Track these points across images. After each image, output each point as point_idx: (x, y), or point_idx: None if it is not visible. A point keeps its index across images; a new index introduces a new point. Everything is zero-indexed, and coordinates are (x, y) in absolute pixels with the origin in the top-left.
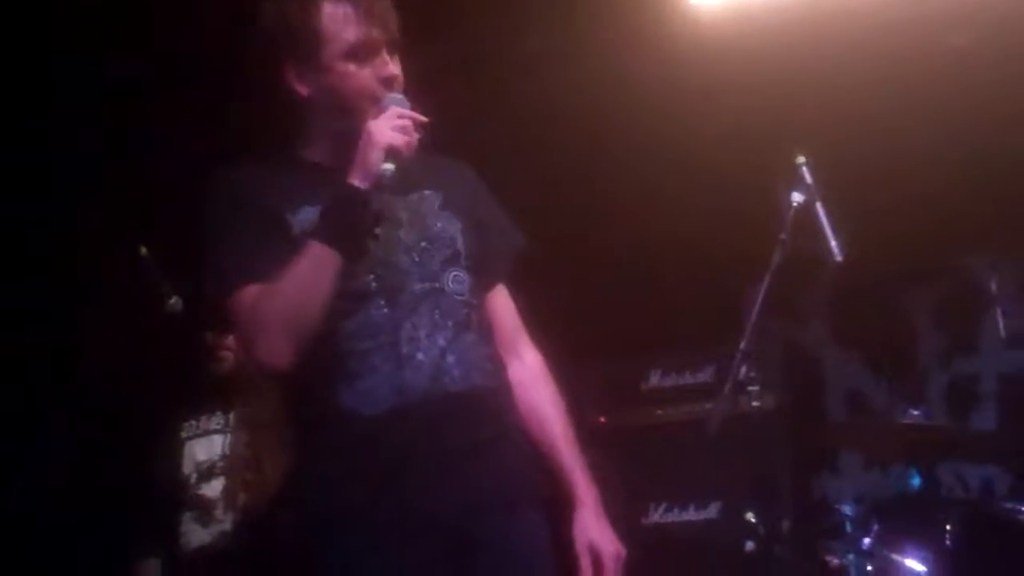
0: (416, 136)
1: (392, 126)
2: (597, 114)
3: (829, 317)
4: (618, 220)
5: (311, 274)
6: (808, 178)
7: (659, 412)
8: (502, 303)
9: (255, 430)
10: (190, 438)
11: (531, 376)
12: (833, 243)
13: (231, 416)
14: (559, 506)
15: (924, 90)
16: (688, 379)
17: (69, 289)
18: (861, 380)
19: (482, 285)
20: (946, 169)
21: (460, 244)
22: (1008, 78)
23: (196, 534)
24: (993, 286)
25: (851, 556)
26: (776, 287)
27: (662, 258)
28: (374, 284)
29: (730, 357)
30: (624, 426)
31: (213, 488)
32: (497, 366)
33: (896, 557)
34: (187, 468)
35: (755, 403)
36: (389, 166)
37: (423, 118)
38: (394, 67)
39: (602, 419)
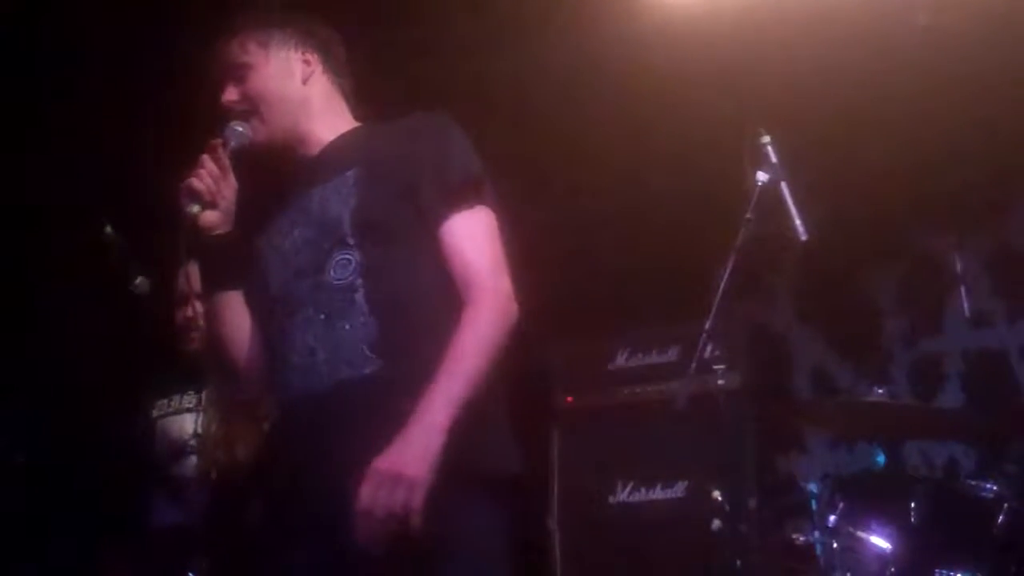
0: (222, 161)
1: (195, 171)
2: (564, 97)
3: (794, 296)
4: (583, 201)
5: (208, 318)
6: (773, 157)
7: (625, 391)
8: (451, 242)
9: (227, 409)
10: (161, 417)
11: (464, 312)
12: (797, 222)
13: (203, 395)
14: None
15: (888, 70)
16: (654, 358)
17: (35, 269)
18: (826, 359)
19: (430, 234)
20: (910, 148)
21: (346, 223)
22: (972, 57)
23: (168, 512)
24: (957, 265)
25: (817, 533)
26: (741, 266)
27: (628, 238)
28: (278, 291)
29: (696, 336)
30: (591, 406)
31: (185, 467)
32: (397, 345)
33: (861, 534)
34: (160, 446)
35: (720, 382)
36: (192, 208)
37: (229, 134)
38: (227, 94)
39: (569, 399)
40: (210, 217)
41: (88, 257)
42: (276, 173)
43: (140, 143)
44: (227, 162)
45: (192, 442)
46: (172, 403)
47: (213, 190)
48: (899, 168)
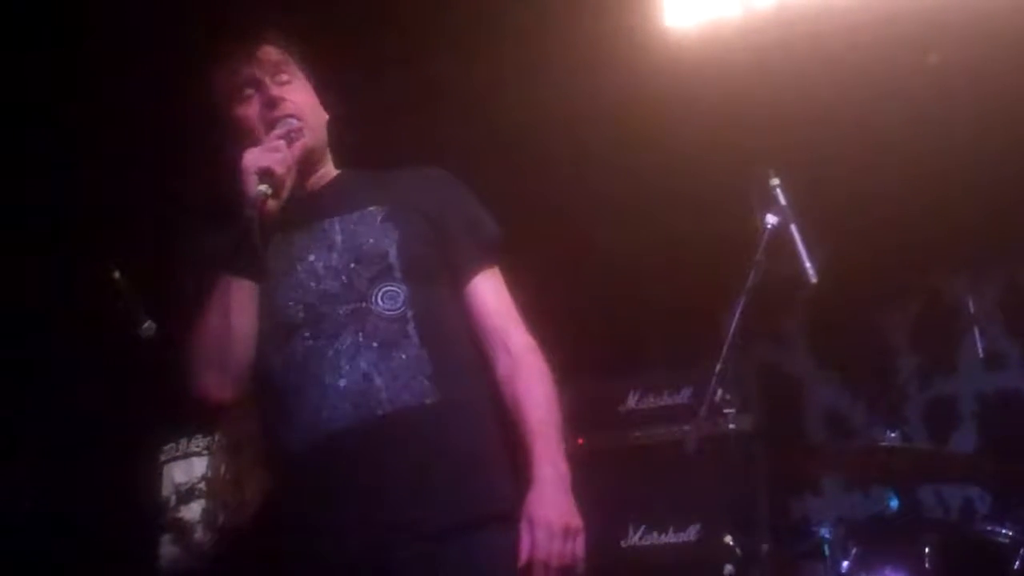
0: (293, 152)
1: (265, 148)
2: (571, 138)
3: (806, 338)
4: (593, 242)
5: (222, 303)
6: (782, 199)
7: (637, 434)
8: (483, 295)
9: (235, 451)
10: (168, 461)
11: (514, 367)
12: (808, 264)
13: (212, 438)
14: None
15: (898, 110)
16: (666, 400)
17: (42, 315)
18: (839, 401)
19: (456, 283)
20: (922, 188)
21: (393, 256)
22: (982, 98)
23: (174, 556)
24: (970, 305)
25: None
26: (752, 309)
27: (638, 280)
28: (302, 315)
29: (707, 378)
30: (602, 448)
31: (192, 510)
32: (449, 378)
33: None
34: (166, 491)
35: (732, 425)
36: (263, 188)
37: (299, 126)
38: (276, 88)
39: (580, 441)
40: (272, 205)
41: (95, 302)
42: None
43: (146, 188)
44: (298, 153)
45: (200, 485)
46: (180, 447)
47: (285, 177)
48: (910, 208)
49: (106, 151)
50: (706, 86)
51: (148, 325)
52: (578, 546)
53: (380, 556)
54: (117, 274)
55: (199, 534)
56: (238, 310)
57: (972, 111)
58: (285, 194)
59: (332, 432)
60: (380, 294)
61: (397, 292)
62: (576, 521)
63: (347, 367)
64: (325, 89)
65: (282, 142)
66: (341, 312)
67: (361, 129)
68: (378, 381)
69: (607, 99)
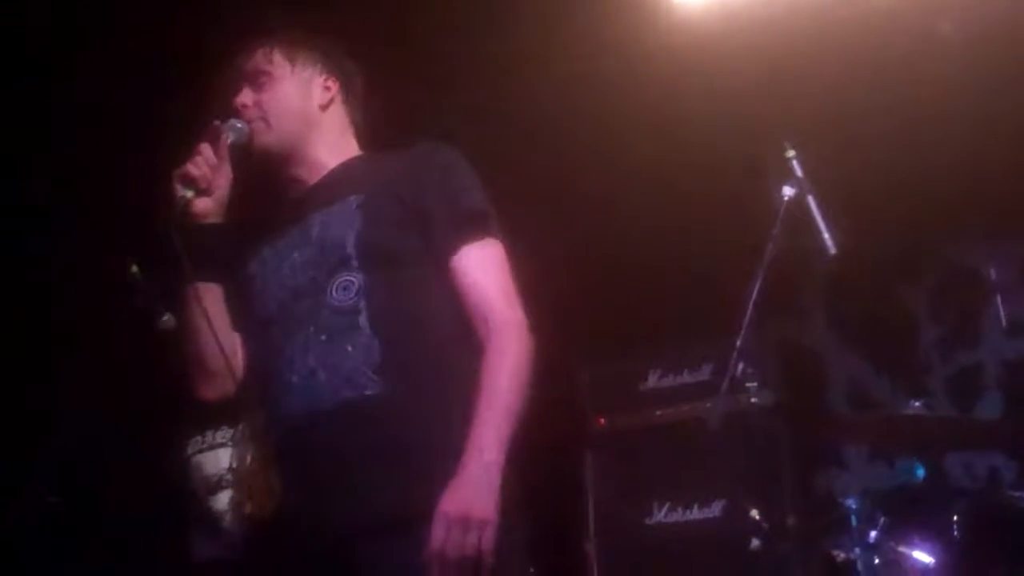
0: (219, 152)
1: (191, 158)
2: (583, 114)
3: (827, 311)
4: (610, 220)
5: (181, 309)
6: (798, 171)
7: (659, 412)
8: (464, 271)
9: (260, 441)
10: (196, 453)
11: (486, 343)
12: (826, 236)
13: (237, 430)
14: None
15: (913, 78)
16: (686, 378)
17: (65, 310)
18: (861, 373)
19: (440, 262)
20: (941, 155)
21: (350, 246)
22: (999, 64)
23: (204, 546)
24: (992, 273)
25: (858, 550)
26: (771, 282)
27: (655, 257)
28: (274, 311)
29: (727, 355)
30: (624, 427)
31: (220, 501)
32: (400, 368)
33: (903, 549)
34: (195, 483)
35: (754, 400)
36: (185, 193)
37: (228, 127)
38: (243, 97)
39: (601, 421)
40: (203, 204)
41: (115, 297)
42: (271, 193)
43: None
44: (225, 152)
45: (228, 476)
46: (206, 439)
47: (208, 177)
48: (929, 176)
49: (125, 144)
50: (718, 58)
51: (168, 318)
52: (483, 538)
53: (326, 547)
54: (135, 268)
55: (228, 524)
56: (191, 313)
57: (993, 78)
58: (219, 191)
59: (287, 428)
60: (336, 286)
61: (352, 282)
62: (479, 512)
63: (299, 363)
64: (330, 72)
65: (204, 145)
66: (302, 307)
67: (377, 109)
68: (322, 376)
69: (618, 74)
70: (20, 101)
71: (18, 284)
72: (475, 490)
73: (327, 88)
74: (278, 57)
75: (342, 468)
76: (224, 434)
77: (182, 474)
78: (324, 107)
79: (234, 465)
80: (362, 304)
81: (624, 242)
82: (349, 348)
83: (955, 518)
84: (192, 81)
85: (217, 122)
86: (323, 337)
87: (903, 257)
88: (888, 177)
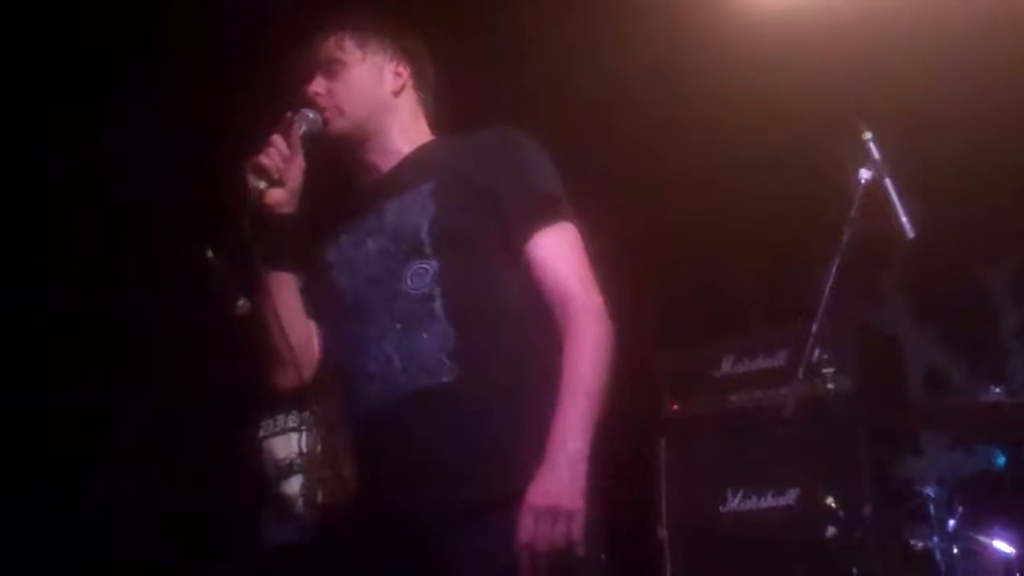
0: (291, 142)
1: (262, 148)
2: (659, 100)
3: (905, 295)
4: (685, 206)
5: (255, 299)
6: (876, 153)
7: (733, 398)
8: (540, 256)
9: (331, 428)
10: (268, 437)
11: (566, 329)
12: (904, 219)
13: (307, 414)
14: None
15: (994, 58)
16: (761, 363)
17: (139, 295)
18: (940, 358)
19: (516, 248)
20: (1019, 140)
21: (424, 232)
22: None
23: (276, 531)
24: None
25: (936, 539)
26: (848, 267)
27: (731, 242)
28: (349, 299)
29: (803, 340)
30: (698, 414)
31: (292, 485)
32: (476, 354)
33: (983, 539)
34: (267, 466)
35: (830, 386)
36: (258, 184)
37: (299, 117)
38: (315, 85)
39: (675, 407)
40: (276, 195)
41: (191, 281)
42: (345, 181)
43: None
44: (297, 142)
45: (299, 460)
46: (278, 423)
47: (281, 168)
48: (1010, 158)
49: (200, 130)
50: (793, 40)
51: (243, 303)
52: (573, 529)
53: (409, 533)
54: (211, 253)
55: (300, 509)
56: (269, 303)
57: None
58: (292, 181)
59: (364, 415)
60: (411, 273)
61: (426, 269)
62: (568, 502)
63: (375, 351)
64: (400, 57)
65: (276, 136)
66: (378, 295)
67: (449, 93)
68: (398, 364)
69: (694, 59)
70: (87, 94)
71: (89, 267)
72: (563, 480)
73: (398, 74)
74: (349, 44)
75: (421, 455)
76: (295, 418)
77: (255, 457)
78: (396, 93)
79: (304, 449)
80: (436, 291)
81: (699, 226)
82: (425, 336)
83: None
84: (261, 68)
85: (289, 113)
86: (399, 325)
87: (983, 240)
88: (968, 159)
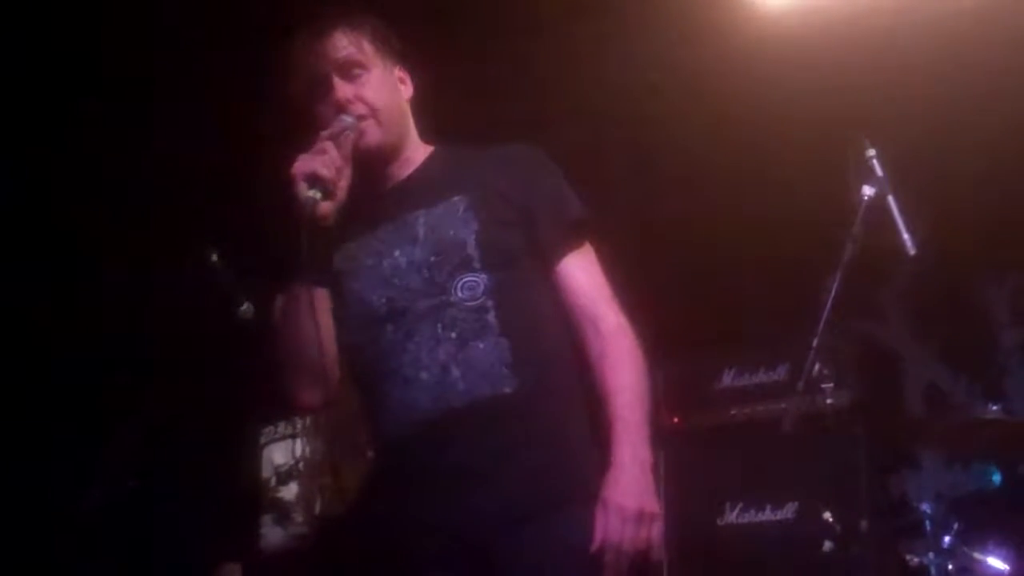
0: (343, 151)
1: (312, 152)
2: (663, 111)
3: (906, 311)
4: (686, 218)
5: (290, 312)
6: (879, 170)
7: (733, 412)
8: (572, 276)
9: (332, 435)
10: (269, 442)
11: (603, 349)
12: (906, 236)
13: (307, 421)
14: None
15: (998, 77)
16: (762, 377)
17: (141, 298)
18: (939, 374)
19: (545, 265)
20: (1020, 157)
21: (472, 247)
22: None
23: (274, 536)
24: None
25: (932, 555)
26: (849, 282)
27: (732, 255)
28: (384, 309)
29: (803, 354)
30: (698, 426)
31: (291, 491)
32: (529, 365)
33: (978, 555)
34: (266, 472)
35: (829, 401)
36: (312, 193)
37: (344, 126)
38: (342, 89)
39: (675, 419)
40: (326, 207)
41: (194, 284)
42: (366, 188)
43: (239, 164)
44: (348, 151)
45: (299, 466)
46: (279, 429)
47: (335, 179)
48: (1011, 176)
49: (205, 136)
50: (798, 55)
51: (246, 307)
52: (653, 532)
53: (466, 541)
54: (215, 257)
55: (298, 515)
56: (306, 317)
57: None
58: (342, 194)
59: (415, 423)
60: (460, 285)
61: (476, 282)
62: (651, 507)
63: (427, 360)
64: (408, 62)
65: (329, 143)
66: (422, 306)
67: (450, 103)
68: (455, 372)
69: (699, 70)
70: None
71: (89, 267)
72: (643, 486)
73: (402, 80)
74: (367, 46)
75: (484, 462)
76: (298, 424)
77: (255, 462)
78: (408, 99)
79: (305, 456)
80: (490, 303)
81: (701, 239)
82: (481, 346)
83: None
84: (262, 63)
85: (345, 117)
86: (453, 335)
87: (985, 258)
88: (970, 176)
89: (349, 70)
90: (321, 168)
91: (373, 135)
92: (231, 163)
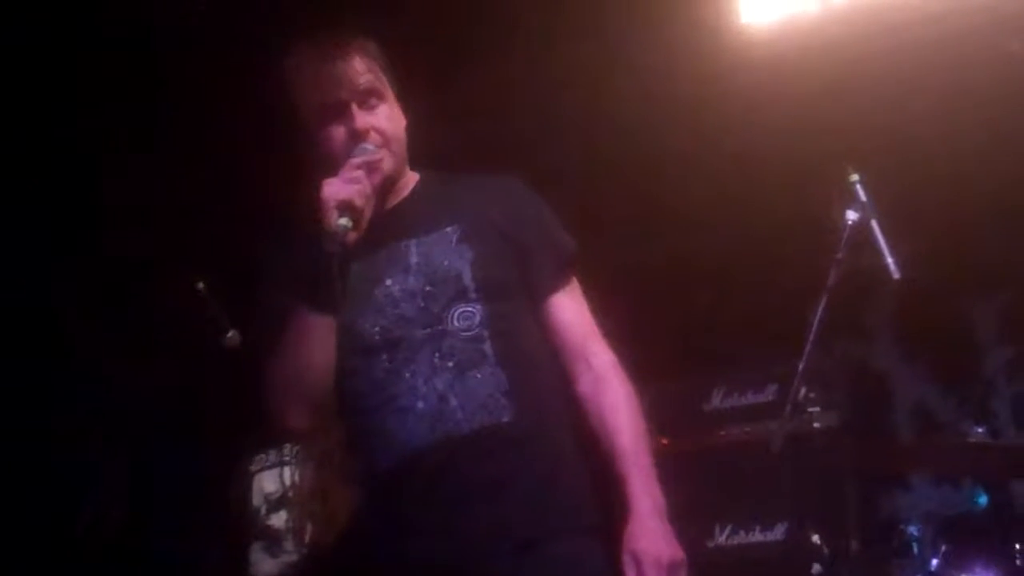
0: (372, 181)
1: (344, 179)
2: (651, 133)
3: (892, 333)
4: (675, 240)
5: (299, 337)
6: (862, 196)
7: (722, 433)
8: (563, 311)
9: (322, 463)
10: (260, 470)
11: (596, 384)
12: (890, 260)
13: (298, 449)
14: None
15: (980, 99)
16: (751, 399)
17: (128, 325)
18: (927, 396)
19: (534, 299)
20: (1007, 177)
21: (467, 278)
22: None
23: (265, 564)
24: None
25: None
26: (836, 305)
27: (721, 278)
28: (378, 337)
29: (792, 375)
30: (687, 448)
31: (281, 519)
32: (526, 396)
33: None
34: (256, 500)
35: (816, 424)
36: (344, 222)
37: (378, 157)
38: (362, 119)
39: (664, 441)
40: (352, 237)
41: (181, 312)
42: None
43: (231, 197)
44: (378, 182)
45: (288, 495)
46: (271, 457)
47: (366, 210)
48: (995, 197)
49: (192, 162)
50: (783, 82)
51: (232, 334)
52: None
53: (462, 571)
54: (202, 284)
55: (288, 544)
56: (316, 344)
57: None
58: (364, 225)
59: (412, 453)
60: (456, 315)
61: (472, 312)
62: (680, 554)
63: (424, 389)
64: (403, 91)
65: (361, 172)
66: (418, 335)
67: (436, 128)
68: (454, 402)
69: (685, 97)
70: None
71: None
72: (669, 534)
73: (402, 107)
74: (381, 74)
75: (481, 491)
76: (285, 452)
77: (246, 491)
78: (406, 127)
79: (295, 482)
80: (485, 333)
81: (689, 260)
82: (478, 376)
83: (1017, 546)
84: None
85: (367, 146)
86: (450, 364)
87: (971, 279)
88: (954, 199)
89: (367, 99)
90: (356, 197)
91: (387, 165)
92: (221, 190)
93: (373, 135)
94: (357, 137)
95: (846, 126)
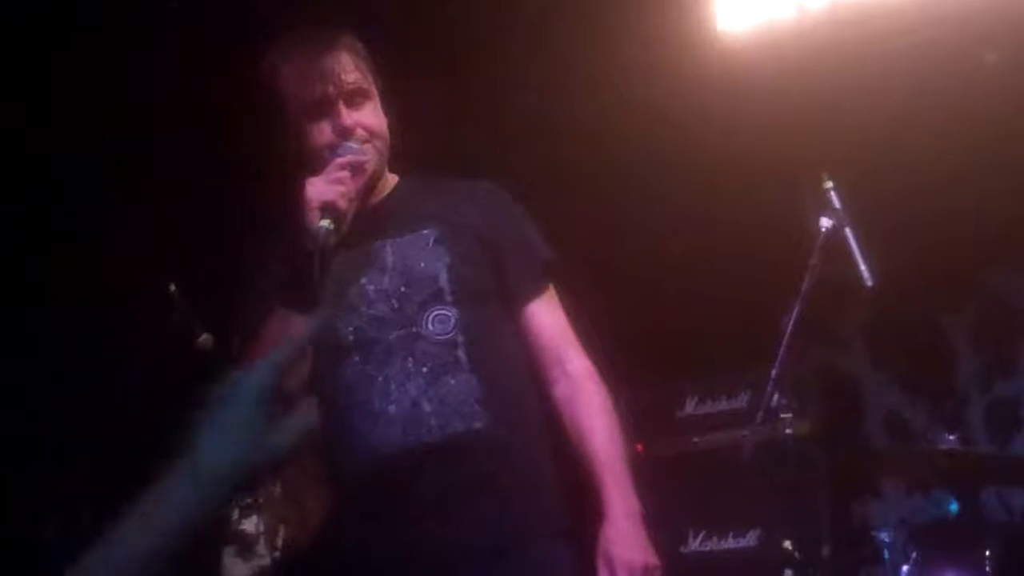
0: (356, 183)
1: (327, 180)
2: (626, 139)
3: (865, 341)
4: (649, 245)
5: (279, 337)
6: (836, 203)
7: (696, 439)
8: (539, 318)
9: (294, 466)
10: None
11: (572, 390)
12: (863, 268)
13: None
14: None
15: (954, 110)
16: (724, 405)
17: (99, 328)
18: (899, 403)
19: (511, 305)
20: (980, 187)
21: (444, 280)
22: None
23: (237, 569)
24: None
25: None
26: (809, 312)
27: (695, 284)
28: (351, 338)
29: (766, 382)
30: (660, 453)
31: (253, 523)
32: (499, 402)
33: None
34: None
35: (788, 430)
36: (326, 224)
37: (364, 156)
38: (348, 117)
39: (639, 447)
40: (333, 240)
41: (152, 317)
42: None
43: (203, 200)
44: (362, 184)
45: (259, 499)
46: None
47: (349, 212)
48: (968, 207)
49: (163, 166)
50: (760, 89)
51: (205, 338)
52: None
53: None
54: (173, 287)
55: (260, 547)
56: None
57: None
58: (346, 227)
59: (383, 457)
60: (430, 318)
61: (448, 316)
62: (655, 559)
63: (396, 393)
64: (388, 92)
65: (346, 173)
66: (391, 337)
67: (418, 133)
68: (427, 407)
69: (660, 103)
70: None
71: (47, 296)
72: (643, 539)
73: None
74: (368, 73)
75: (454, 497)
76: None
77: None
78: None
79: (267, 487)
80: (460, 338)
81: (664, 268)
82: (452, 381)
83: (987, 553)
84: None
85: (353, 144)
86: (424, 369)
87: (944, 288)
88: (927, 208)
89: (354, 96)
90: (340, 199)
91: (372, 164)
92: (192, 193)
93: (359, 132)
94: (343, 134)
95: (821, 133)
